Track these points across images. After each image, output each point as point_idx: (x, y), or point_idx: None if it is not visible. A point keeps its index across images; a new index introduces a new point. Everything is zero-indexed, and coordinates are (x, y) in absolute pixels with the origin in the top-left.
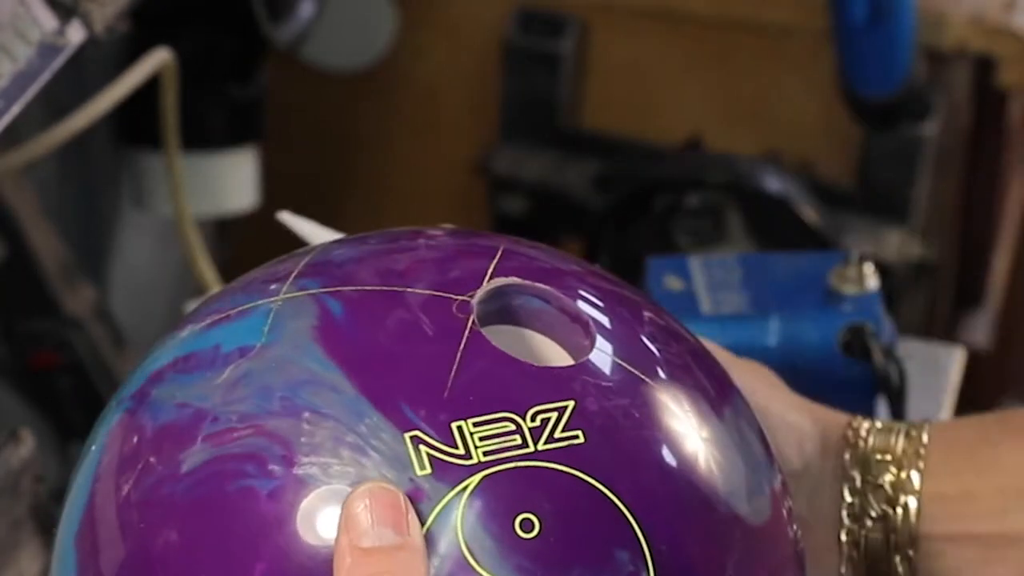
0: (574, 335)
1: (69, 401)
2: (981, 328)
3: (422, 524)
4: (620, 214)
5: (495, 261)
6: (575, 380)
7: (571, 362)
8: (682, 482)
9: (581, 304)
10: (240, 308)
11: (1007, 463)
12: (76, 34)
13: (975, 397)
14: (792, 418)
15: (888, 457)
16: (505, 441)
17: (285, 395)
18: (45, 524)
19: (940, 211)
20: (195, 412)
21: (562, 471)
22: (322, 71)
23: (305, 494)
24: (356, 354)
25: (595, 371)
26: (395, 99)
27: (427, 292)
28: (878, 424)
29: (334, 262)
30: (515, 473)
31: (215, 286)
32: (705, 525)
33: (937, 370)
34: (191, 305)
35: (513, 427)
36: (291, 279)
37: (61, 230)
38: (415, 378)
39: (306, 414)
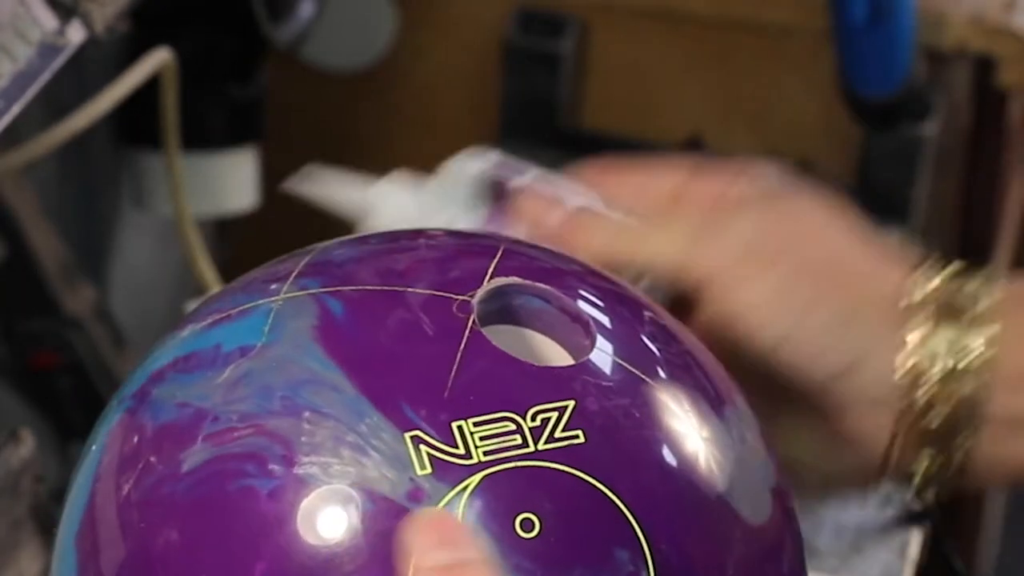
0: (574, 335)
1: (69, 401)
2: None
3: None
4: None
5: (495, 261)
6: (575, 380)
7: (571, 362)
8: (682, 482)
9: (581, 304)
10: (241, 308)
11: None
12: (76, 34)
13: None
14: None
15: (956, 323)
16: (505, 441)
17: (286, 395)
18: (45, 524)
19: (940, 211)
20: (195, 412)
21: (562, 471)
22: (322, 71)
23: (305, 494)
24: (356, 354)
25: (595, 371)
26: (395, 99)
27: (427, 292)
28: (946, 276)
29: (334, 262)
30: (515, 473)
31: (215, 286)
32: (705, 525)
33: None
34: (191, 305)
35: (513, 427)
36: (291, 279)
37: (61, 230)
38: (415, 378)
39: (306, 414)
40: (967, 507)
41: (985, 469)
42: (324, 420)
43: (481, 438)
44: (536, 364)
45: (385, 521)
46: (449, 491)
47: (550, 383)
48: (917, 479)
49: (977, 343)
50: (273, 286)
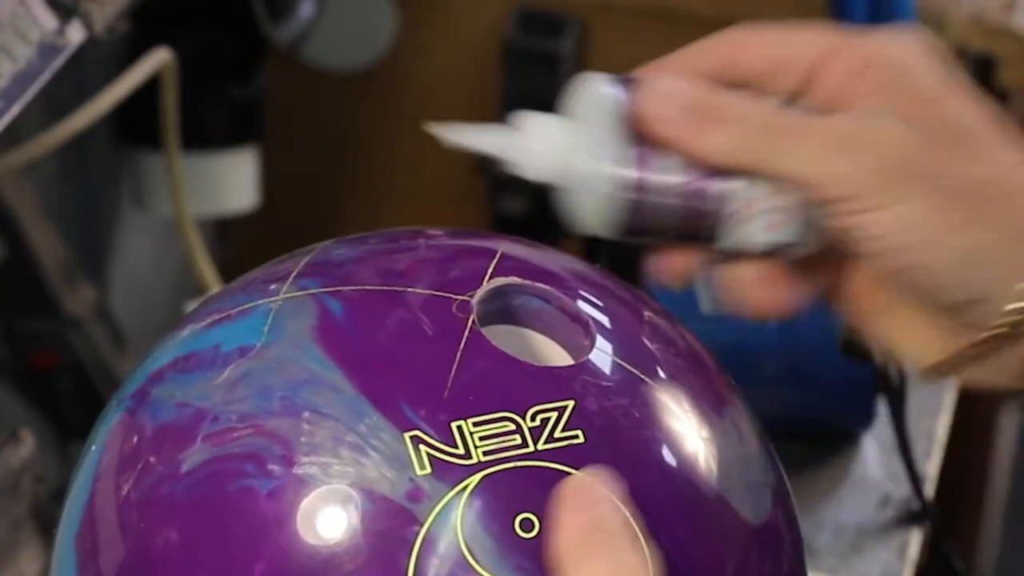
0: (574, 335)
1: (69, 401)
2: None
3: (421, 524)
4: None
5: (495, 261)
6: (575, 380)
7: (571, 362)
8: (682, 482)
9: (581, 304)
10: (240, 308)
11: None
12: (76, 34)
13: (975, 398)
14: None
15: None
16: (505, 441)
17: (285, 395)
18: (45, 524)
19: None
20: (195, 412)
21: (562, 471)
22: (322, 71)
23: (305, 494)
24: (356, 354)
25: (595, 371)
26: (395, 99)
27: (427, 292)
28: None
29: (334, 262)
30: (515, 473)
31: (215, 286)
32: (705, 525)
33: None
34: (191, 305)
35: (513, 427)
36: (291, 279)
37: (61, 230)
38: (415, 378)
39: (306, 414)
40: (967, 507)
41: None
42: (324, 420)
43: (481, 438)
44: (536, 364)
45: (385, 521)
46: (449, 491)
47: (550, 383)
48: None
49: None
50: (273, 286)
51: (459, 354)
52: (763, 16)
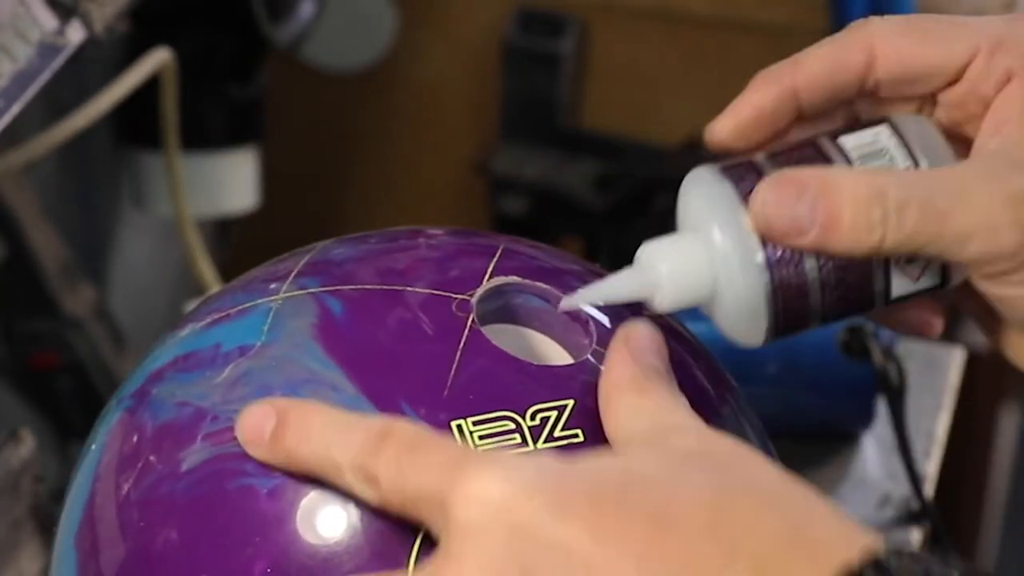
0: (574, 334)
1: (69, 401)
2: None
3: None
4: (620, 214)
5: (495, 260)
6: (575, 379)
7: (571, 361)
8: None
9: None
10: (240, 307)
11: None
12: (76, 34)
13: (975, 398)
14: None
15: None
16: (505, 440)
17: (285, 394)
18: (45, 524)
19: None
20: (195, 411)
21: None
22: (322, 71)
23: (305, 493)
24: (356, 353)
25: (595, 370)
26: (395, 99)
27: (427, 291)
28: None
29: (334, 261)
30: None
31: (215, 286)
32: None
33: (937, 370)
34: (191, 305)
35: (513, 426)
36: (291, 278)
37: (61, 230)
38: (415, 377)
39: None
40: (967, 507)
41: None
42: None
43: (480, 437)
44: (535, 363)
45: (384, 519)
46: None
47: (549, 382)
48: None
49: None
50: (273, 285)
51: (459, 353)
52: (763, 16)
